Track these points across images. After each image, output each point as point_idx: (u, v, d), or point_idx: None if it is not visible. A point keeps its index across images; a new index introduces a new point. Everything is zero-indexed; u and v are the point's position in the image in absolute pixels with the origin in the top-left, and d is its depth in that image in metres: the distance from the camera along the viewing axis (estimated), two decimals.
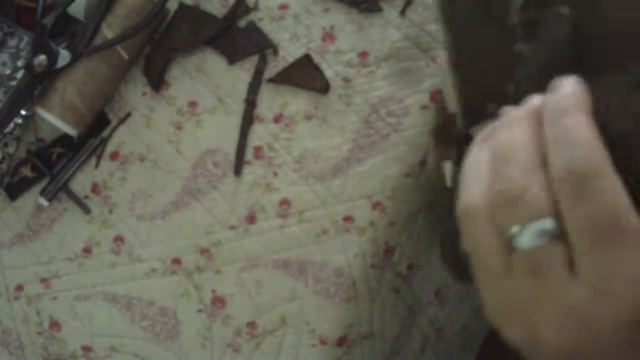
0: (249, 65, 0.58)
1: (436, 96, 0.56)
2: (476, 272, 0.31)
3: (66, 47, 0.54)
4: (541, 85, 0.32)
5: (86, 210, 0.60)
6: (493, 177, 0.30)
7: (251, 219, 0.57)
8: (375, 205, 0.55)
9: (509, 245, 0.29)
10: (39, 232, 0.60)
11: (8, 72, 0.56)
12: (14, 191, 0.60)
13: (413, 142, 0.56)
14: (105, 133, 0.60)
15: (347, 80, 0.57)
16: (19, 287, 0.61)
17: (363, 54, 0.57)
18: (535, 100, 0.31)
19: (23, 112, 0.57)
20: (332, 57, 0.58)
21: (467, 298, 0.69)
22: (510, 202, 0.29)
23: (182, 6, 0.59)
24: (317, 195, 0.57)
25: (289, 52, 0.58)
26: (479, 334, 0.76)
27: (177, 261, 0.59)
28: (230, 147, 0.58)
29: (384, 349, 0.60)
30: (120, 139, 0.60)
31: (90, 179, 0.60)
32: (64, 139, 0.60)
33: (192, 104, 0.59)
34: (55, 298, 0.61)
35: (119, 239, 0.59)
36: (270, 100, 0.58)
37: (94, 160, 0.60)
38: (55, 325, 0.61)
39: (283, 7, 0.58)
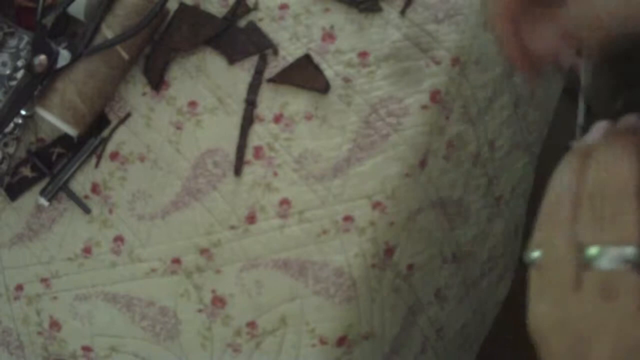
0: (249, 65, 0.58)
1: (436, 96, 0.56)
2: (542, 275, 0.31)
3: (66, 47, 0.54)
4: None
5: (86, 210, 0.60)
6: (585, 193, 0.30)
7: (251, 219, 0.57)
8: (375, 205, 0.55)
9: (585, 262, 0.29)
10: (39, 232, 0.60)
11: (8, 72, 0.56)
12: (14, 191, 0.60)
13: (413, 142, 0.56)
14: (105, 133, 0.60)
15: (347, 80, 0.57)
16: (19, 287, 0.61)
17: (363, 54, 0.57)
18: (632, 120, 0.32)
19: (23, 112, 0.57)
20: (332, 57, 0.58)
21: (467, 298, 0.69)
22: (598, 222, 0.29)
23: (182, 6, 0.59)
24: (317, 195, 0.57)
25: (289, 52, 0.58)
26: (479, 334, 0.76)
27: (177, 261, 0.59)
28: (230, 147, 0.58)
29: (384, 349, 0.60)
30: (120, 139, 0.60)
31: (90, 179, 0.60)
32: (64, 139, 0.60)
33: (192, 104, 0.59)
34: (55, 298, 0.61)
35: (119, 239, 0.59)
36: (270, 100, 0.58)
37: (94, 160, 0.60)
38: (55, 325, 0.61)
39: (283, 7, 0.58)
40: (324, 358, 0.57)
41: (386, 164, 0.55)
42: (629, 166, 0.30)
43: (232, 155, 0.58)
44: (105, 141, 0.60)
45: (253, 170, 0.58)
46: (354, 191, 0.56)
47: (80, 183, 0.60)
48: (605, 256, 0.28)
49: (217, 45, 0.58)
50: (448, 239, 0.63)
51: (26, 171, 0.60)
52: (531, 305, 0.32)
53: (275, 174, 0.57)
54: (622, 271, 0.28)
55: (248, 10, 0.59)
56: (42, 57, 0.53)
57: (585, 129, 0.35)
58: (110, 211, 0.60)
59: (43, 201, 0.59)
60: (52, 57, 0.54)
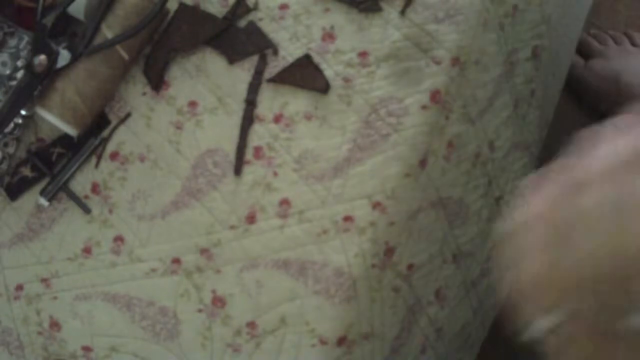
0: (249, 65, 0.58)
1: (436, 96, 0.56)
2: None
3: (66, 47, 0.54)
4: None
5: (86, 210, 0.60)
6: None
7: (251, 219, 0.57)
8: (375, 205, 0.55)
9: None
10: (39, 232, 0.60)
11: (8, 72, 0.56)
12: (14, 191, 0.60)
13: (413, 142, 0.56)
14: (105, 133, 0.60)
15: (347, 80, 0.57)
16: (19, 287, 0.61)
17: (363, 54, 0.57)
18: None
19: (23, 112, 0.57)
20: (332, 57, 0.58)
21: (467, 298, 0.69)
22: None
23: (182, 6, 0.59)
24: (317, 195, 0.57)
25: (289, 52, 0.58)
26: (479, 334, 0.76)
27: (177, 261, 0.59)
28: (230, 147, 0.58)
29: (384, 348, 0.60)
30: (120, 139, 0.60)
31: (90, 179, 0.60)
32: (64, 139, 0.60)
33: (192, 104, 0.59)
34: (55, 298, 0.61)
35: (119, 239, 0.59)
36: (270, 100, 0.58)
37: (94, 160, 0.60)
38: (55, 325, 0.61)
39: (283, 7, 0.58)
40: (324, 358, 0.57)
41: (386, 164, 0.55)
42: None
43: (232, 155, 0.58)
44: (105, 141, 0.60)
45: (253, 170, 0.58)
46: (354, 191, 0.56)
47: (80, 183, 0.60)
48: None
49: (217, 45, 0.58)
50: (448, 239, 0.63)
51: (26, 171, 0.60)
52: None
53: (275, 174, 0.57)
54: None
55: (248, 10, 0.59)
56: (42, 57, 0.53)
57: None
58: (110, 211, 0.60)
59: (43, 201, 0.59)
60: (52, 57, 0.54)
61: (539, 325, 0.30)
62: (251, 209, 0.57)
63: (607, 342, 0.29)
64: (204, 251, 0.58)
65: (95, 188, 0.60)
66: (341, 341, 0.57)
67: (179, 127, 0.59)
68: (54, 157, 0.60)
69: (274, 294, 0.57)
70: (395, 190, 0.55)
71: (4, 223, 0.61)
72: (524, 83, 0.65)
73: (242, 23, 0.59)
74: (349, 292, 0.56)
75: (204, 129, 0.59)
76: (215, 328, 0.58)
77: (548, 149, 0.73)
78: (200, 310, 0.58)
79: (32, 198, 0.60)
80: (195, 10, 0.59)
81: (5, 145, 0.58)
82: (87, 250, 0.60)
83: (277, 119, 0.58)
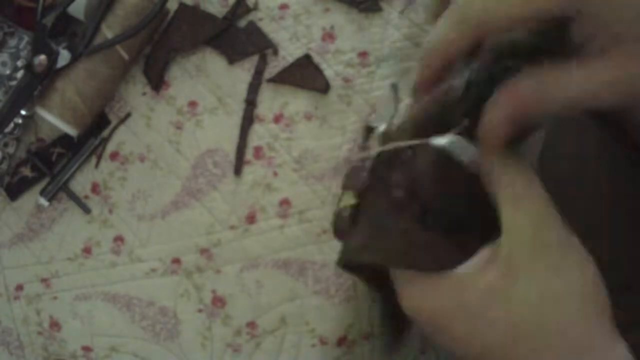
0: (249, 65, 0.58)
1: None
2: None
3: (66, 47, 0.54)
4: None
5: (86, 210, 0.60)
6: None
7: (251, 219, 0.57)
8: None
9: None
10: (39, 232, 0.60)
11: (8, 72, 0.56)
12: (14, 191, 0.60)
13: None
14: (105, 133, 0.60)
15: (347, 80, 0.57)
16: (19, 287, 0.61)
17: (363, 54, 0.57)
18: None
19: (23, 112, 0.57)
20: (332, 57, 0.58)
21: None
22: None
23: (182, 6, 0.59)
24: (317, 195, 0.57)
25: (289, 52, 0.58)
26: None
27: (177, 261, 0.59)
28: (230, 147, 0.58)
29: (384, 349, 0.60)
30: (120, 139, 0.60)
31: (90, 179, 0.60)
32: (64, 139, 0.60)
33: (192, 104, 0.59)
34: (55, 298, 0.61)
35: (119, 239, 0.59)
36: (270, 100, 0.58)
37: (94, 160, 0.60)
38: (55, 325, 0.61)
39: (283, 7, 0.58)
40: (324, 358, 0.57)
41: None
42: None
43: (232, 155, 0.58)
44: (105, 141, 0.60)
45: (253, 170, 0.58)
46: None
47: (80, 183, 0.60)
48: None
49: (217, 45, 0.58)
50: None
51: (26, 171, 0.60)
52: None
53: (275, 174, 0.57)
54: None
55: (248, 10, 0.59)
56: (42, 57, 0.53)
57: None
58: (110, 211, 0.60)
59: (43, 201, 0.59)
60: (52, 57, 0.54)
61: None
62: (251, 209, 0.57)
63: None
64: (204, 251, 0.58)
65: (95, 188, 0.60)
66: (341, 341, 0.57)
67: (179, 127, 0.59)
68: (54, 157, 0.60)
69: (274, 294, 0.57)
70: None
71: (4, 223, 0.61)
72: None
73: (242, 23, 0.59)
74: (349, 292, 0.56)
75: (204, 129, 0.59)
76: (215, 328, 0.58)
77: (548, 149, 0.73)
78: (200, 310, 0.58)
79: (32, 198, 0.60)
80: (195, 10, 0.59)
81: (5, 145, 0.58)
82: (87, 250, 0.60)
83: (277, 119, 0.58)
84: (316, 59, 0.57)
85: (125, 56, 0.56)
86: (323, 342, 0.57)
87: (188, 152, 0.59)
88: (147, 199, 0.59)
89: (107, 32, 0.54)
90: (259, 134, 0.58)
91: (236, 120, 0.58)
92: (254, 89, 0.58)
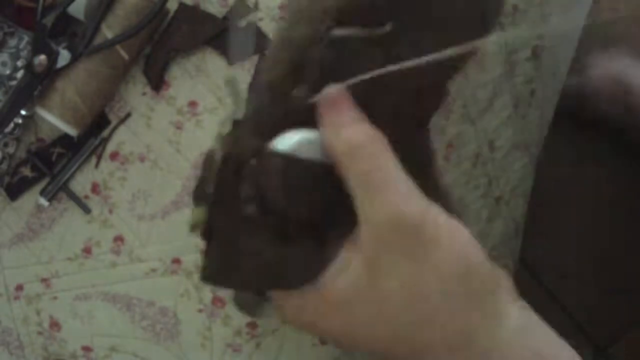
0: (249, 65, 0.58)
1: None
2: None
3: (66, 47, 0.54)
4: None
5: (86, 210, 0.60)
6: None
7: None
8: None
9: None
10: (39, 232, 0.60)
11: (8, 72, 0.56)
12: (14, 191, 0.60)
13: None
14: (105, 133, 0.60)
15: None
16: (19, 287, 0.61)
17: None
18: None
19: (23, 112, 0.57)
20: None
21: None
22: None
23: (182, 6, 0.59)
24: None
25: None
26: None
27: (177, 261, 0.59)
28: None
29: None
30: (120, 139, 0.60)
31: (90, 179, 0.60)
32: (64, 139, 0.60)
33: (192, 104, 0.59)
34: (55, 298, 0.61)
35: (119, 239, 0.59)
36: None
37: (94, 160, 0.60)
38: (55, 325, 0.61)
39: (283, 7, 0.58)
40: (324, 358, 0.57)
41: None
42: None
43: None
44: (105, 141, 0.60)
45: None
46: None
47: (80, 183, 0.60)
48: None
49: (217, 45, 0.58)
50: None
51: (26, 171, 0.60)
52: None
53: None
54: None
55: (248, 10, 0.58)
56: (42, 57, 0.53)
57: None
58: (110, 211, 0.60)
59: (43, 201, 0.59)
60: (52, 57, 0.54)
61: None
62: None
63: None
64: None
65: (95, 188, 0.60)
66: None
67: (179, 127, 0.59)
68: (54, 157, 0.60)
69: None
70: None
71: (4, 223, 0.61)
72: (524, 83, 0.65)
73: (242, 23, 0.59)
74: None
75: (204, 129, 0.59)
76: (215, 328, 0.58)
77: (548, 149, 0.73)
78: (200, 310, 0.58)
79: (32, 198, 0.60)
80: (195, 10, 0.59)
81: (5, 145, 0.58)
82: (87, 250, 0.60)
83: None
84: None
85: (125, 56, 0.56)
86: (323, 342, 0.57)
87: (188, 152, 0.59)
88: (147, 199, 0.59)
89: (107, 32, 0.54)
90: None
91: None
92: (254, 89, 0.58)
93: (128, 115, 0.59)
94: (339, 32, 0.35)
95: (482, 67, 0.60)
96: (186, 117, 0.59)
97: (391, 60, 0.34)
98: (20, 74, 0.56)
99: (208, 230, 0.37)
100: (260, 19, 0.59)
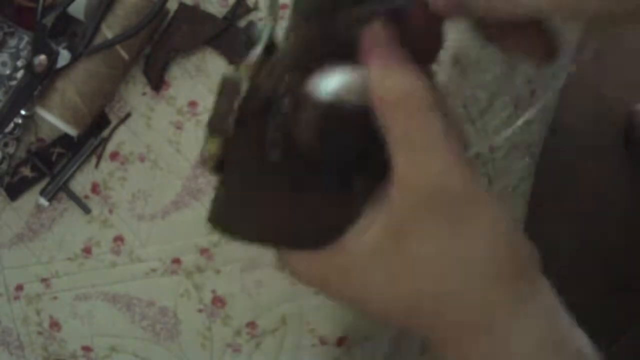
0: None
1: None
2: None
3: (66, 47, 0.54)
4: None
5: (86, 210, 0.60)
6: None
7: None
8: None
9: None
10: (39, 232, 0.60)
11: (8, 72, 0.56)
12: (14, 191, 0.60)
13: None
14: (105, 133, 0.60)
15: None
16: (19, 287, 0.61)
17: None
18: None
19: (23, 112, 0.57)
20: None
21: None
22: None
23: (182, 6, 0.59)
24: None
25: None
26: None
27: (177, 261, 0.59)
28: None
29: (384, 349, 0.60)
30: (120, 139, 0.60)
31: (90, 179, 0.60)
32: (64, 139, 0.60)
33: (192, 104, 0.59)
34: (55, 298, 0.61)
35: (119, 239, 0.59)
36: None
37: (94, 160, 0.60)
38: (55, 325, 0.61)
39: (283, 7, 0.58)
40: (324, 358, 0.57)
41: None
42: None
43: None
44: (105, 141, 0.60)
45: None
46: None
47: (80, 183, 0.60)
48: None
49: (217, 45, 0.58)
50: None
51: (26, 171, 0.60)
52: None
53: None
54: None
55: (248, 10, 0.59)
56: (42, 57, 0.53)
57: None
58: (110, 211, 0.60)
59: (43, 201, 0.59)
60: (52, 57, 0.54)
61: None
62: None
63: None
64: (204, 251, 0.58)
65: (95, 188, 0.60)
66: (341, 341, 0.57)
67: (179, 127, 0.59)
68: (54, 157, 0.60)
69: (274, 294, 0.57)
70: None
71: (4, 223, 0.61)
72: (524, 83, 0.65)
73: (242, 23, 0.59)
74: None
75: (204, 129, 0.58)
76: (215, 328, 0.58)
77: (548, 149, 0.73)
78: (200, 310, 0.58)
79: (32, 198, 0.60)
80: (195, 10, 0.59)
81: (5, 145, 0.58)
82: (87, 250, 0.60)
83: None
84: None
85: (125, 56, 0.56)
86: (323, 342, 0.57)
87: (188, 152, 0.59)
88: (147, 199, 0.59)
89: (107, 32, 0.54)
90: None
91: None
92: None
93: (128, 115, 0.59)
94: None
95: (482, 67, 0.60)
96: (186, 117, 0.59)
97: None
98: (20, 74, 0.56)
99: (220, 166, 0.33)
100: (261, 19, 0.59)
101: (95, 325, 0.60)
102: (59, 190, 0.59)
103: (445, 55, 0.56)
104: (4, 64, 0.56)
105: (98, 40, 0.54)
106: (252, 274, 0.57)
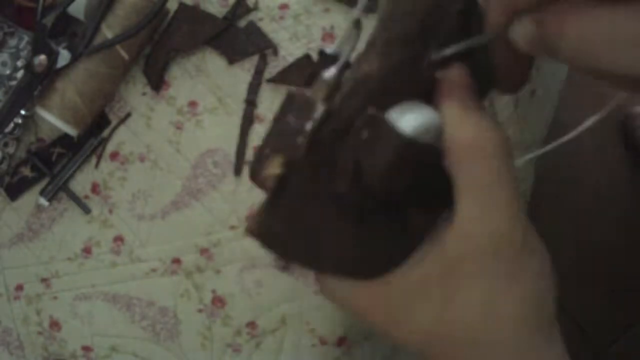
0: (249, 65, 0.58)
1: None
2: None
3: (66, 47, 0.54)
4: None
5: (86, 210, 0.60)
6: None
7: None
8: None
9: None
10: (39, 232, 0.60)
11: (8, 72, 0.56)
12: (14, 191, 0.60)
13: None
14: (105, 133, 0.60)
15: None
16: (19, 287, 0.61)
17: None
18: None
19: (23, 112, 0.57)
20: None
21: None
22: None
23: (182, 6, 0.59)
24: None
25: (289, 52, 0.58)
26: None
27: (177, 261, 0.59)
28: (230, 147, 0.58)
29: (384, 349, 0.60)
30: (120, 139, 0.60)
31: (90, 179, 0.60)
32: (64, 139, 0.60)
33: (192, 104, 0.59)
34: (55, 298, 0.61)
35: (119, 239, 0.60)
36: (270, 100, 0.58)
37: (94, 160, 0.60)
38: (55, 325, 0.61)
39: (283, 7, 0.58)
40: (324, 358, 0.57)
41: None
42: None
43: (232, 155, 0.58)
44: (105, 141, 0.60)
45: None
46: None
47: (80, 183, 0.60)
48: None
49: (217, 45, 0.58)
50: None
51: (26, 171, 0.60)
52: None
53: None
54: None
55: (248, 10, 0.59)
56: (42, 57, 0.53)
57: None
58: (110, 211, 0.60)
59: (43, 201, 0.59)
60: (52, 57, 0.54)
61: None
62: (251, 209, 0.57)
63: None
64: (204, 251, 0.58)
65: (95, 188, 0.60)
66: (341, 341, 0.57)
67: (179, 127, 0.59)
68: (54, 157, 0.60)
69: (274, 294, 0.57)
70: None
71: (4, 223, 0.61)
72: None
73: (242, 23, 0.59)
74: None
75: (204, 129, 0.59)
76: (215, 328, 0.58)
77: None
78: (200, 310, 0.58)
79: (32, 198, 0.60)
80: (195, 10, 0.59)
81: (5, 145, 0.58)
82: (87, 250, 0.60)
83: None
84: (316, 59, 0.57)
85: (125, 56, 0.56)
86: (323, 342, 0.57)
87: (188, 152, 0.59)
88: (147, 199, 0.59)
89: (107, 32, 0.54)
90: (259, 134, 0.58)
91: (236, 120, 0.58)
92: (254, 89, 0.58)
93: (128, 115, 0.60)
94: None
95: None
96: (186, 117, 0.59)
97: None
98: (20, 74, 0.56)
99: (279, 187, 0.33)
100: (261, 19, 0.59)
101: (95, 325, 0.60)
102: (59, 190, 0.59)
103: None
104: (4, 64, 0.56)
105: (98, 40, 0.54)
106: (252, 274, 0.57)
